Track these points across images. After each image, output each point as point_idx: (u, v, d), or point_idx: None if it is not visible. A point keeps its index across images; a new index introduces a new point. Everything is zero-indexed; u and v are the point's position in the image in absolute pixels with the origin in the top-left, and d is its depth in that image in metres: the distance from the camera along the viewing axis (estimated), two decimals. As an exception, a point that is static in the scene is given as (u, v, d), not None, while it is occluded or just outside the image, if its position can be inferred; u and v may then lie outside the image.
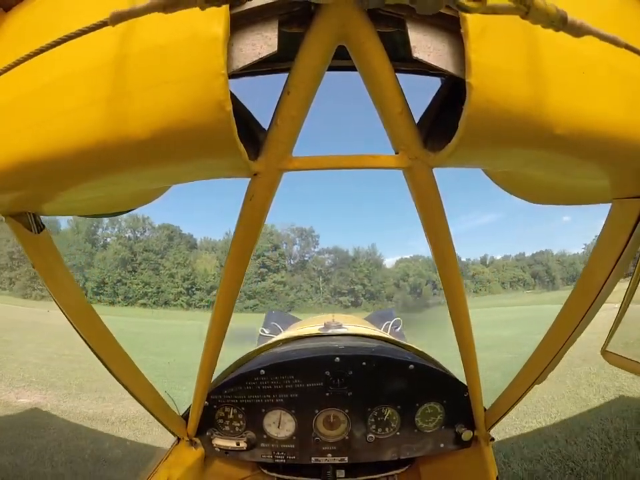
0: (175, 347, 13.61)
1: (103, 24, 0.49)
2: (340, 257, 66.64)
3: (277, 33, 0.61)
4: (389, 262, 69.22)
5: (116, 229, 61.23)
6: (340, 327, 2.32)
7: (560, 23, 0.46)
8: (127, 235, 61.10)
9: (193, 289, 58.04)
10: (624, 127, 0.66)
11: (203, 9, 0.47)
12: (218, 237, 66.21)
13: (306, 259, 66.82)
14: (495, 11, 0.47)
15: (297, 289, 61.73)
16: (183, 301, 56.48)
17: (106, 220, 56.65)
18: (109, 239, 60.73)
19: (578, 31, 0.47)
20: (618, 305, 1.74)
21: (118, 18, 0.47)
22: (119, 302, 54.90)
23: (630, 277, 1.57)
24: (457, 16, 0.57)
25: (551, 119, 0.61)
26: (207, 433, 1.66)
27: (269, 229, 62.27)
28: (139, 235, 61.78)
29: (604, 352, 1.81)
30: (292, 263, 65.46)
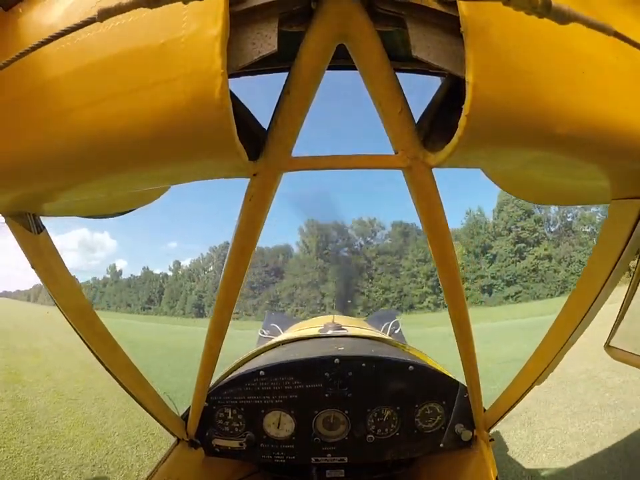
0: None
1: (91, 20, 0.49)
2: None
3: (276, 32, 0.61)
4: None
5: (344, 239, 56.76)
6: (339, 328, 2.32)
7: (544, 8, 0.44)
8: (357, 243, 55.69)
9: (440, 286, 50.27)
10: (623, 127, 0.66)
11: (185, 3, 0.47)
12: (456, 225, 53.83)
13: (569, 219, 44.78)
14: None
15: (567, 262, 42.41)
16: (430, 301, 46.37)
17: (334, 232, 56.02)
18: (340, 251, 57.10)
19: (563, 17, 0.45)
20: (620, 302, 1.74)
21: (105, 14, 0.47)
22: (358, 314, 48.40)
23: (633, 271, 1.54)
24: (456, 14, 0.57)
25: (551, 118, 0.61)
26: (207, 434, 1.66)
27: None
28: (369, 240, 54.68)
29: (608, 347, 1.80)
30: (552, 230, 46.10)
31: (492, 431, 1.68)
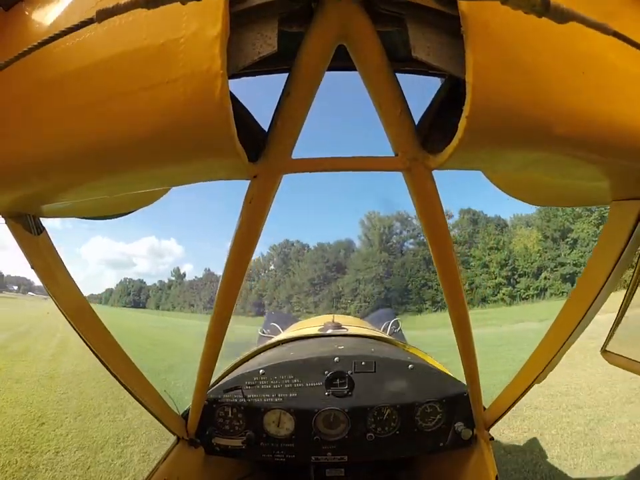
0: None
1: (89, 21, 0.48)
2: None
3: (277, 33, 0.61)
4: None
5: (409, 230, 51.23)
6: (339, 327, 2.32)
7: (542, 7, 0.44)
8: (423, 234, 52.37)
9: (515, 276, 41.79)
10: (624, 127, 0.66)
11: (184, 3, 0.46)
12: (530, 209, 48.91)
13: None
14: None
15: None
16: (504, 294, 41.15)
17: (397, 223, 51.14)
18: (405, 243, 51.91)
19: (562, 16, 0.45)
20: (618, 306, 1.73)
21: (103, 15, 0.47)
22: (426, 308, 44.16)
23: (633, 271, 1.52)
24: (456, 14, 0.57)
25: (551, 119, 0.61)
26: (207, 433, 1.66)
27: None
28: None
29: (604, 352, 1.80)
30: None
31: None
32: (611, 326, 1.68)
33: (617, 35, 0.50)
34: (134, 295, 79.43)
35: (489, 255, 44.17)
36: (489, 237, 45.10)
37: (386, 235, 52.06)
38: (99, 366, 1.28)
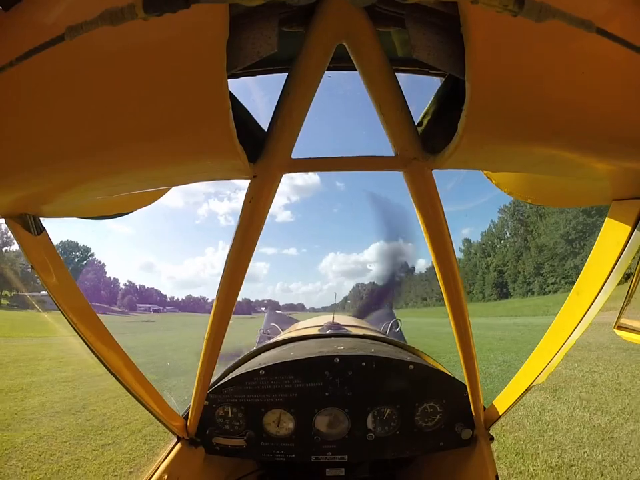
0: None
1: (59, 39, 0.48)
2: None
3: (277, 33, 0.61)
4: None
5: None
6: (339, 327, 2.33)
7: (515, 6, 0.42)
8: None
9: None
10: (623, 127, 0.66)
11: (145, 19, 0.46)
12: None
13: None
14: None
15: None
16: None
17: None
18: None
19: (539, 15, 0.43)
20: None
21: (73, 32, 0.47)
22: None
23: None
24: (456, 14, 0.57)
25: (551, 119, 0.61)
26: (207, 432, 1.66)
27: None
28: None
29: (617, 328, 1.80)
30: None
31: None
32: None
33: (600, 31, 0.47)
34: (366, 298, 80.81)
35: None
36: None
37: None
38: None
